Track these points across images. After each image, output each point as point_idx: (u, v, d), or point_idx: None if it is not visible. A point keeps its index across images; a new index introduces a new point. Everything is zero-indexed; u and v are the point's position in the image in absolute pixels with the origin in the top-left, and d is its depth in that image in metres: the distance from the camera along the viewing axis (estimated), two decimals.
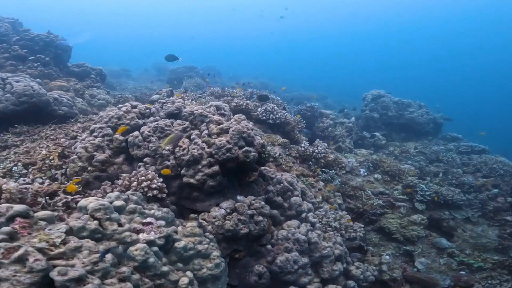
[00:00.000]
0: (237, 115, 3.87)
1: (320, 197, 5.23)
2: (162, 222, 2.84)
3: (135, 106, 4.08)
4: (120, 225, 2.49)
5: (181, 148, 3.51)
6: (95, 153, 3.51)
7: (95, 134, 3.75)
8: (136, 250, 2.37)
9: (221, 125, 3.65)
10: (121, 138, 3.68)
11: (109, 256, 2.19)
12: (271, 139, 6.06)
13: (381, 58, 62.69)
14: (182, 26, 62.03)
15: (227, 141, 3.49)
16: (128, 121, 3.80)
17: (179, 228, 3.09)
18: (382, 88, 13.20)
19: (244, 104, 6.14)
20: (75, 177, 3.36)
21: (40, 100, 6.09)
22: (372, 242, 6.13)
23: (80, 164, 3.41)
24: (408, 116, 12.00)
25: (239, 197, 3.73)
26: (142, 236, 2.53)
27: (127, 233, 2.43)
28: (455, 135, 12.11)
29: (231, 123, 3.69)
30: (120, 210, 2.64)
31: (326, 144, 6.55)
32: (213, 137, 3.59)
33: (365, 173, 7.86)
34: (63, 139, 4.67)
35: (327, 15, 63.64)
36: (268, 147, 4.16)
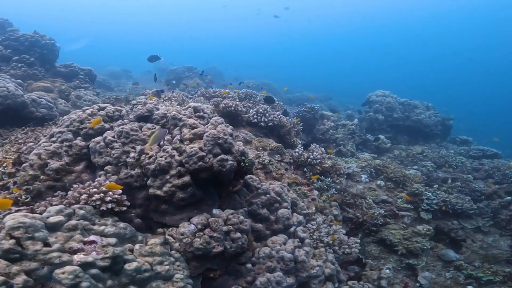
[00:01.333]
0: (215, 118, 3.47)
1: (314, 208, 4.79)
2: (112, 240, 2.45)
3: (102, 108, 3.70)
4: (47, 244, 2.11)
5: (147, 156, 3.11)
6: (49, 160, 3.13)
7: (53, 139, 3.38)
8: (63, 273, 1.99)
9: (195, 130, 3.24)
10: (81, 144, 3.31)
11: (19, 279, 1.82)
12: (263, 144, 5.64)
13: (387, 58, 61.83)
14: (183, 26, 62.02)
15: (200, 148, 3.08)
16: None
17: (137, 246, 2.68)
18: (388, 88, 12.71)
19: (233, 105, 5.74)
20: (25, 186, 2.99)
21: (16, 102, 5.78)
22: (372, 254, 5.66)
23: (31, 172, 3.04)
24: (415, 117, 11.47)
25: (214, 211, 3.32)
26: (77, 257, 2.14)
27: (54, 254, 2.05)
28: (465, 138, 11.53)
29: (206, 127, 3.28)
30: (56, 227, 2.26)
31: (323, 149, 6.10)
32: (185, 143, 3.19)
33: (367, 180, 7.39)
34: (30, 143, 4.32)
35: (331, 13, 62.89)
36: (252, 154, 3.74)
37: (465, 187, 7.68)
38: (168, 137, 3.29)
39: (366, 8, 58.25)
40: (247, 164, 3.26)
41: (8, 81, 6.48)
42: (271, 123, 5.98)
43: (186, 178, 3.05)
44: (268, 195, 4.03)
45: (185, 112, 3.54)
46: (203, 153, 3.05)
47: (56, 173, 3.09)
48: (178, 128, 3.39)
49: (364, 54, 63.47)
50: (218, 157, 3.07)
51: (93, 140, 3.29)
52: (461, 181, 7.93)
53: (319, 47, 66.98)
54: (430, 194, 6.77)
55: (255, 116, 5.99)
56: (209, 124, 3.34)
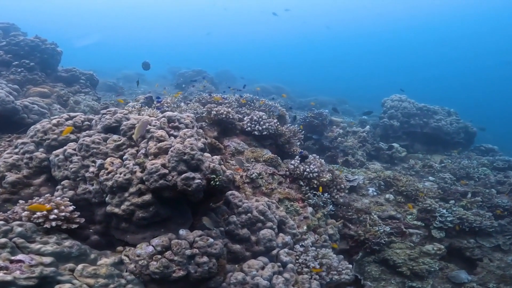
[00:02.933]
0: (185, 130, 3.23)
1: (305, 227, 4.45)
2: (47, 260, 2.27)
3: (71, 118, 3.56)
4: None
5: (106, 171, 2.92)
6: (7, 173, 3.00)
7: (16, 150, 3.26)
8: None
9: (161, 144, 3.02)
10: (42, 156, 3.16)
11: None
12: (256, 154, 5.36)
13: (406, 61, 59.72)
14: (197, 29, 62.61)
15: (163, 165, 2.85)
16: (56, 136, 3.29)
17: (79, 266, 2.49)
18: (407, 92, 12.12)
19: (225, 112, 5.49)
20: None
21: (5, 108, 5.79)
22: (372, 276, 5.24)
23: None
24: (434, 124, 10.83)
25: (181, 232, 3.08)
26: None
27: None
28: (490, 146, 10.77)
29: (172, 141, 3.05)
30: None
31: (322, 160, 5.73)
32: (149, 158, 2.97)
33: (374, 193, 6.94)
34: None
35: (347, 16, 61.55)
36: (230, 170, 3.47)
37: (486, 202, 7.09)
38: (133, 150, 3.09)
39: (385, 8, 56.63)
40: (217, 184, 2.99)
41: (4, 87, 6.56)
42: (266, 132, 5.69)
43: (147, 197, 2.83)
44: (249, 214, 3.75)
45: (156, 122, 3.33)
46: (166, 171, 2.82)
47: (12, 186, 2.95)
48: (145, 140, 3.18)
49: (383, 56, 61.76)
50: (183, 175, 2.83)
51: (53, 152, 3.14)
52: (482, 196, 7.33)
53: (336, 49, 65.83)
54: (444, 211, 6.25)
55: (248, 124, 5.72)
56: (178, 137, 3.11)
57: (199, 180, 2.89)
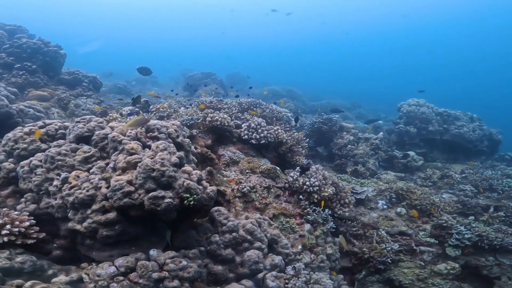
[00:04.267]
0: (158, 142, 3.01)
1: (300, 246, 4.14)
2: None
3: (45, 125, 3.41)
4: None
5: (69, 185, 2.73)
6: None
7: None
8: None
9: (130, 157, 2.81)
10: (10, 167, 3.01)
11: None
12: (252, 165, 5.08)
13: (427, 62, 57.69)
14: (210, 31, 62.94)
15: (129, 182, 2.64)
16: (26, 145, 3.14)
17: (28, 283, 2.32)
18: (425, 96, 11.59)
19: (220, 119, 5.26)
20: None
21: None
22: None
23: None
24: (455, 131, 10.24)
25: (152, 252, 2.85)
26: None
27: None
28: None
29: (143, 155, 2.83)
30: None
31: (326, 172, 5.38)
32: (117, 173, 2.77)
33: (384, 206, 6.53)
34: None
35: (363, 16, 60.10)
36: (212, 187, 3.22)
37: (510, 217, 6.56)
38: (102, 163, 2.89)
39: (404, 7, 54.90)
40: (192, 204, 2.74)
41: (2, 90, 6.59)
42: (264, 140, 5.41)
43: (111, 215, 2.63)
44: (234, 234, 3.49)
45: (130, 132, 3.13)
46: (131, 188, 2.61)
47: None
48: (117, 153, 2.98)
49: (402, 57, 59.99)
50: (150, 194, 2.60)
51: (21, 163, 2.99)
52: (506, 210, 6.79)
53: (352, 51, 64.47)
54: (462, 227, 5.78)
55: (246, 132, 5.46)
56: (151, 150, 2.89)
57: (170, 200, 2.66)
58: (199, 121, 5.47)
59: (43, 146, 3.21)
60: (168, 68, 28.72)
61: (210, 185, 4.23)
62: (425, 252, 5.43)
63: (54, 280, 2.48)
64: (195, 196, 2.76)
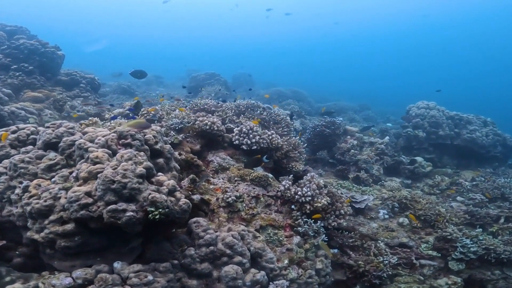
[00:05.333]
0: (124, 151, 2.86)
1: (286, 261, 3.95)
2: None
3: (18, 130, 3.32)
4: None
5: (29, 194, 2.62)
6: None
7: None
8: None
9: (93, 167, 2.68)
10: None
11: None
12: (242, 172, 4.90)
13: (440, 63, 56.08)
14: (217, 32, 63.00)
15: (88, 193, 2.51)
16: None
17: None
18: (439, 97, 11.23)
19: (209, 123, 5.10)
20: None
21: None
22: None
23: None
24: (467, 136, 9.85)
25: (116, 265, 2.71)
26: None
27: None
28: None
29: (108, 164, 2.70)
30: None
31: (321, 181, 5.15)
32: (78, 183, 2.65)
33: (386, 216, 6.26)
34: None
35: (374, 14, 58.89)
36: (185, 200, 3.07)
37: None
38: (66, 172, 2.78)
39: (415, 5, 53.60)
40: (157, 218, 2.59)
41: None
42: (255, 146, 5.22)
43: (69, 226, 2.50)
44: (212, 247, 3.32)
45: (99, 139, 3.00)
46: (89, 200, 2.48)
47: None
48: (83, 161, 2.86)
49: (414, 58, 58.61)
50: (109, 207, 2.47)
51: None
52: None
53: (361, 51, 63.38)
54: (468, 240, 5.48)
55: (237, 136, 5.29)
56: (115, 159, 2.75)
57: (132, 213, 2.52)
58: (188, 124, 5.33)
59: (13, 151, 3.12)
60: (175, 68, 28.86)
61: (193, 194, 4.11)
62: (425, 266, 5.16)
63: (8, 287, 2.39)
64: (161, 210, 2.61)
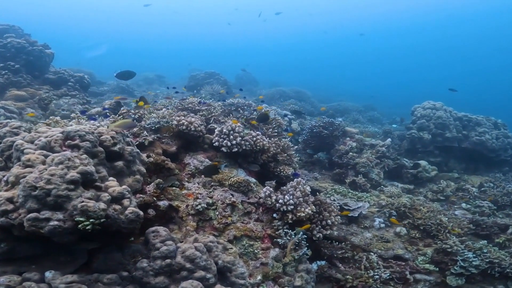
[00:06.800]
0: (55, 154, 2.56)
1: (259, 277, 3.61)
2: None
3: None
4: None
5: None
6: None
7: None
8: None
9: (22, 170, 2.40)
10: None
11: None
12: (221, 176, 4.58)
13: (451, 61, 54.55)
14: (221, 32, 62.80)
15: (9, 199, 2.24)
16: None
17: None
18: (449, 96, 10.75)
19: (186, 123, 4.80)
20: None
21: None
22: None
23: None
24: (476, 138, 9.35)
25: (47, 274, 2.43)
26: None
27: None
28: None
29: (37, 168, 2.41)
30: None
31: (308, 188, 4.78)
32: (5, 188, 2.37)
33: (382, 225, 5.87)
34: None
35: (379, 14, 57.82)
36: (133, 209, 2.77)
37: None
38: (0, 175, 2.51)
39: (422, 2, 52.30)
40: (88, 228, 2.30)
41: None
42: (237, 148, 4.89)
43: None
44: (169, 260, 3.01)
45: (40, 140, 2.72)
46: (10, 207, 2.20)
47: None
48: (17, 163, 2.59)
49: (423, 55, 57.19)
50: (30, 215, 2.19)
51: None
52: None
53: (369, 51, 62.23)
54: (470, 254, 5.05)
55: (217, 138, 4.96)
56: (45, 163, 2.47)
57: (57, 223, 2.23)
58: (165, 124, 5.04)
59: None
60: (179, 68, 28.75)
61: (160, 200, 3.81)
62: (420, 281, 4.76)
63: None
64: (94, 220, 2.31)
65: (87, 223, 2.26)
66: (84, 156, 2.65)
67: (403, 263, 5.01)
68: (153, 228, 3.23)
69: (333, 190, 6.72)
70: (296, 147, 7.04)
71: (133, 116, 5.65)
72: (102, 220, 2.37)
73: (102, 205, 2.41)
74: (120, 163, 3.35)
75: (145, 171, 3.78)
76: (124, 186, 2.89)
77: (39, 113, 7.45)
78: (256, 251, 3.86)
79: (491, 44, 54.72)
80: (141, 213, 2.79)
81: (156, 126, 4.97)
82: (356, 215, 5.79)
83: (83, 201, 2.35)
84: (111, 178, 2.93)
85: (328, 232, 4.57)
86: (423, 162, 8.52)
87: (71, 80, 8.83)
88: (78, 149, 2.91)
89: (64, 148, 2.87)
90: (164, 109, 6.48)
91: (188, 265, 3.06)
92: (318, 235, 4.43)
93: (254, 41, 66.40)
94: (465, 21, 54.09)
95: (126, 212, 2.65)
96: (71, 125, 3.87)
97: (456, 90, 11.66)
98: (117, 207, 2.62)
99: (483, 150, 9.25)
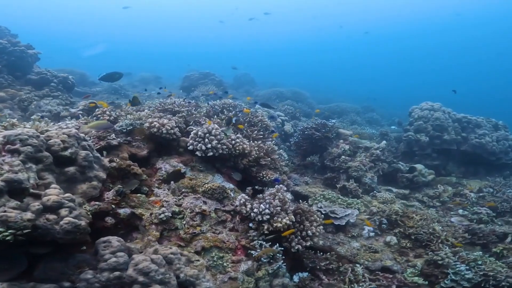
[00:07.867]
0: None
1: None
2: None
3: None
4: None
5: None
6: None
7: None
8: None
9: None
10: None
11: None
12: (194, 182, 4.32)
13: (451, 62, 54.02)
14: (220, 32, 62.56)
15: None
16: None
17: None
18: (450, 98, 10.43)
19: (157, 125, 4.55)
20: None
21: None
22: None
23: None
24: (476, 141, 9.03)
25: None
26: None
27: None
28: None
29: None
30: None
31: (287, 195, 4.50)
32: None
33: (371, 234, 5.57)
34: None
35: (381, 15, 57.28)
36: (70, 219, 2.52)
37: None
38: None
39: (425, 5, 51.76)
40: (8, 239, 2.06)
41: None
42: (213, 152, 4.63)
43: None
44: (118, 272, 2.76)
45: None
46: None
47: None
48: None
49: (423, 57, 56.70)
50: None
51: None
52: None
53: (368, 51, 61.74)
54: (462, 266, 4.74)
55: (192, 141, 4.70)
56: None
57: None
58: (138, 127, 4.80)
59: None
60: (177, 69, 28.53)
61: (121, 208, 3.56)
62: None
63: None
64: (14, 231, 2.07)
65: (7, 233, 2.02)
66: (17, 162, 2.41)
67: (391, 276, 4.71)
68: (105, 238, 2.97)
69: (321, 196, 6.43)
70: (281, 150, 6.78)
71: (108, 117, 5.42)
72: (26, 231, 2.13)
73: (29, 215, 2.17)
74: (71, 169, 3.11)
75: (104, 177, 3.53)
76: (67, 194, 2.65)
77: (18, 115, 7.24)
78: (225, 264, 3.59)
79: (494, 47, 54.33)
80: (81, 223, 2.54)
81: (128, 129, 4.72)
82: (344, 224, 5.49)
83: (5, 211, 2.10)
84: (53, 185, 2.68)
85: (308, 243, 4.29)
86: (419, 166, 8.22)
87: (54, 80, 8.62)
88: (19, 154, 2.67)
89: (3, 153, 2.63)
90: (146, 110, 6.27)
91: (141, 278, 2.81)
92: (296, 247, 4.15)
93: (255, 43, 66.31)
94: (466, 23, 53.65)
95: (62, 222, 2.40)
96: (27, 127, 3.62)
97: (455, 91, 11.36)
98: (51, 217, 2.38)
99: (483, 153, 8.92)
